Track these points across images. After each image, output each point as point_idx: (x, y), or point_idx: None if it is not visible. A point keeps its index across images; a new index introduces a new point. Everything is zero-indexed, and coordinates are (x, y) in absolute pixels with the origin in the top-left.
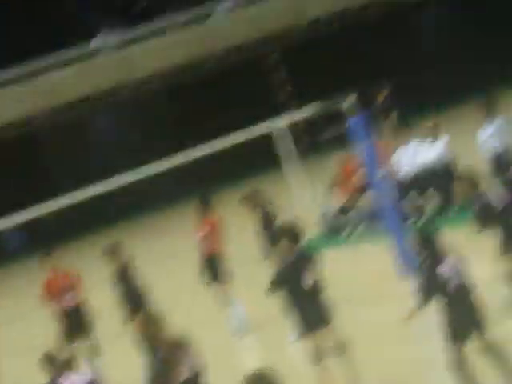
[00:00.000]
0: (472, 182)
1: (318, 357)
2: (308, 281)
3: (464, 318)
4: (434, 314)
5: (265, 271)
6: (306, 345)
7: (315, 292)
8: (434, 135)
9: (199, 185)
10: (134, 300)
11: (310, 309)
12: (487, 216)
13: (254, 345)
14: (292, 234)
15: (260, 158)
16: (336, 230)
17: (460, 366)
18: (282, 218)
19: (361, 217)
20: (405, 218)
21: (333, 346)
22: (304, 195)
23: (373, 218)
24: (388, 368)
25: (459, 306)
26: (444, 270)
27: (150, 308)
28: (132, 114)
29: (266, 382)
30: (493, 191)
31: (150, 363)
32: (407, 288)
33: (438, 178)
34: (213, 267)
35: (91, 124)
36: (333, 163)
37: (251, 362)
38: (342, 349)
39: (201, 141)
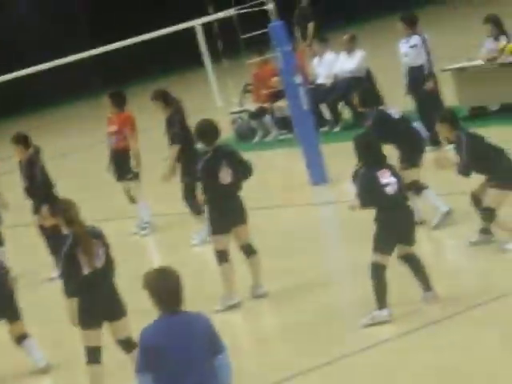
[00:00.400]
0: (367, 95)
1: (224, 256)
2: (226, 178)
3: (397, 225)
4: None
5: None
6: (215, 244)
7: (234, 189)
8: (350, 47)
9: (115, 79)
10: (40, 192)
11: (227, 206)
12: (382, 129)
13: (157, 243)
14: (208, 131)
15: (181, 56)
16: (248, 134)
17: (379, 271)
18: (196, 118)
19: (274, 123)
20: (318, 126)
21: (242, 246)
22: (218, 96)
23: (286, 124)
24: (297, 270)
25: (395, 213)
26: (382, 176)
27: (59, 198)
28: (51, 5)
29: (166, 280)
30: (391, 106)
31: (59, 253)
32: (316, 195)
33: (352, 90)
34: (121, 163)
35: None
36: (250, 66)
37: (154, 260)
38: (250, 249)
39: (122, 35)
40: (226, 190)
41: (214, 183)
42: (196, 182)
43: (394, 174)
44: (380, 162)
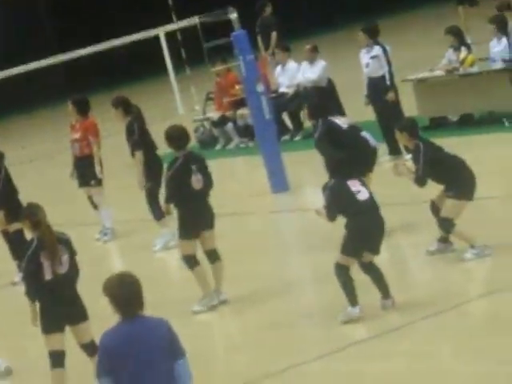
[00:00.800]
0: (315, 107)
1: (194, 260)
2: (197, 183)
3: (367, 231)
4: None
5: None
6: (183, 249)
7: (204, 194)
8: (312, 57)
9: (79, 86)
10: (2, 198)
11: (198, 211)
12: (331, 139)
13: (119, 249)
14: (178, 137)
15: (145, 64)
16: (210, 142)
17: (343, 271)
18: (159, 125)
19: (236, 131)
20: (279, 135)
21: (208, 252)
22: (181, 104)
23: (248, 132)
24: (257, 277)
25: (367, 218)
26: (352, 185)
27: (27, 204)
28: (13, 10)
29: (126, 285)
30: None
31: (23, 257)
32: (277, 202)
33: (312, 99)
34: (84, 170)
35: None
36: (213, 75)
37: (115, 266)
38: (215, 255)
39: (86, 42)
40: (197, 196)
41: (185, 189)
42: (158, 188)
43: (364, 184)
44: (351, 176)
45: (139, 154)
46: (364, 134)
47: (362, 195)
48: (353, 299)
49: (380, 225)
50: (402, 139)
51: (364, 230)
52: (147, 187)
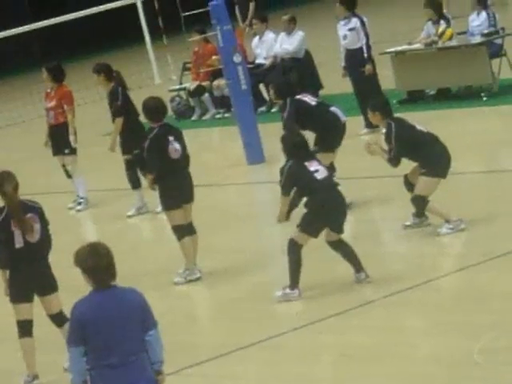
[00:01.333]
0: (281, 87)
1: (182, 230)
2: (174, 153)
3: (326, 208)
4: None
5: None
6: (170, 220)
7: (183, 165)
8: (290, 28)
9: (55, 54)
10: None
11: (177, 181)
12: (300, 117)
13: (93, 218)
14: (156, 109)
15: (121, 32)
16: (186, 112)
17: (295, 248)
18: (135, 94)
19: (212, 101)
20: (256, 106)
21: (187, 224)
22: (157, 74)
23: (224, 103)
24: (232, 248)
25: (326, 196)
26: (310, 165)
27: None
28: None
29: (97, 255)
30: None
31: None
32: (253, 174)
33: (289, 71)
34: (59, 138)
35: None
36: (190, 44)
37: (88, 236)
38: (191, 228)
39: (63, 9)
40: (176, 166)
41: (163, 159)
42: (140, 156)
43: (321, 164)
44: (307, 158)
45: (118, 121)
46: (333, 108)
47: (320, 174)
48: (294, 281)
49: (340, 203)
50: (374, 119)
51: (323, 208)
52: (131, 155)
